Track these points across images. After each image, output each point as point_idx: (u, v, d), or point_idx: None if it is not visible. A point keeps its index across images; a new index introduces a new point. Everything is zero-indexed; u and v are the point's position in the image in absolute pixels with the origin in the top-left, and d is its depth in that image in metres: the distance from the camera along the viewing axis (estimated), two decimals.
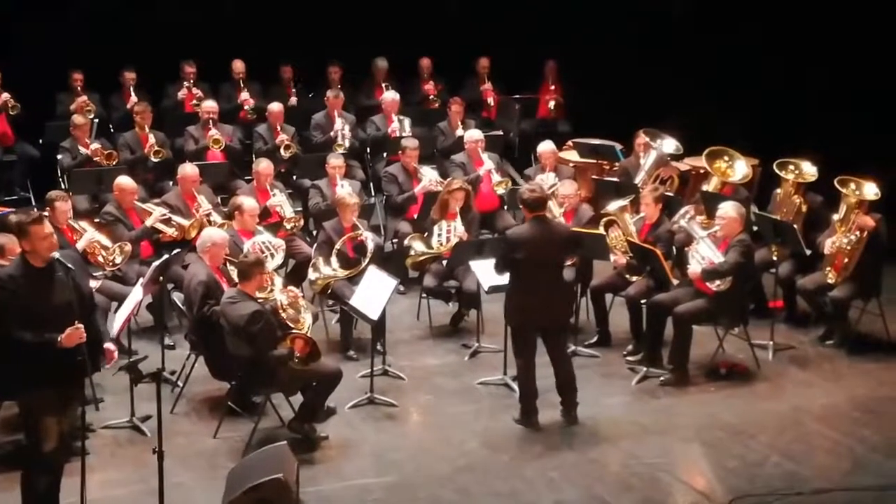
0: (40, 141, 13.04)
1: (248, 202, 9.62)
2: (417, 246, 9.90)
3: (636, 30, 13.76)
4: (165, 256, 8.68)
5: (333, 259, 9.42)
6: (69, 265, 6.40)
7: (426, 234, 9.98)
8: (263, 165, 10.75)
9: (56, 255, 6.40)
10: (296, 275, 10.08)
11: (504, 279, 8.35)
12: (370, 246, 9.47)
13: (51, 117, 13.19)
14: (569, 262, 8.98)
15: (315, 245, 9.91)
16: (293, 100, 14.02)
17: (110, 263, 9.27)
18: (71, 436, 6.73)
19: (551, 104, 14.72)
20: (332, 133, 12.65)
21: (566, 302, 8.55)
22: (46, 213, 8.15)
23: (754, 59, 12.62)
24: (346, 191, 10.28)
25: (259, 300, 7.98)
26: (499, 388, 8.85)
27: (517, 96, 14.44)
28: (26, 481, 6.55)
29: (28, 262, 6.39)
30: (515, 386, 8.63)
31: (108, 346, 6.88)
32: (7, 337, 6.32)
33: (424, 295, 10.13)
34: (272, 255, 9.29)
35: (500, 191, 11.46)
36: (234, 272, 8.40)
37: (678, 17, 13.54)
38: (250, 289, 7.94)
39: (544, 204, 8.32)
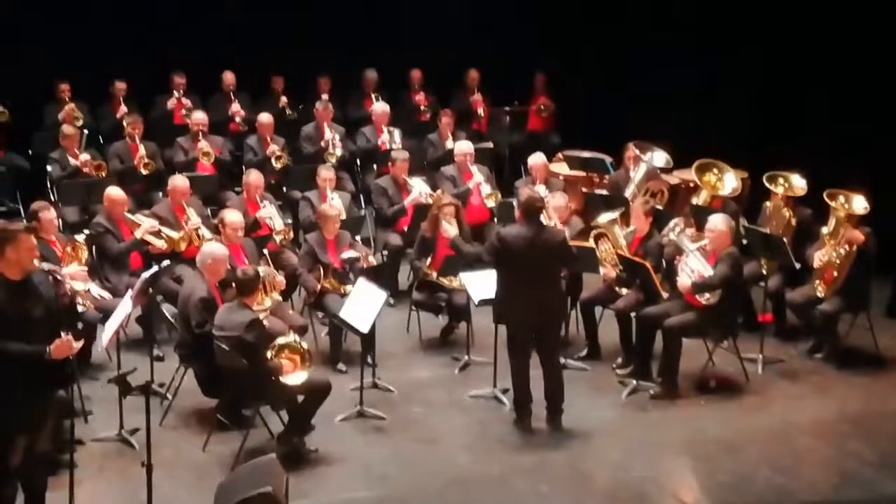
0: (29, 152, 12.99)
1: (230, 216, 9.54)
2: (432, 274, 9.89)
3: (627, 41, 13.76)
4: (154, 268, 8.64)
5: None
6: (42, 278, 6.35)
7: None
8: (253, 177, 10.72)
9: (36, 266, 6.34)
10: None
11: (493, 292, 8.40)
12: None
13: (39, 128, 13.12)
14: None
15: (298, 257, 9.93)
16: (287, 110, 13.99)
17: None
18: (58, 449, 6.66)
19: (540, 108, 14.68)
20: (322, 143, 12.65)
21: (558, 303, 8.53)
22: (35, 226, 8.14)
23: (747, 73, 12.62)
24: (329, 203, 10.28)
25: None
26: (489, 401, 8.82)
27: (507, 108, 14.45)
28: None
29: (3, 275, 6.26)
30: (505, 399, 8.67)
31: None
32: None
33: (414, 308, 10.09)
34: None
35: (491, 203, 11.43)
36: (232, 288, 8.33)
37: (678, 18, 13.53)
38: (250, 302, 8.01)
39: (539, 211, 8.40)
